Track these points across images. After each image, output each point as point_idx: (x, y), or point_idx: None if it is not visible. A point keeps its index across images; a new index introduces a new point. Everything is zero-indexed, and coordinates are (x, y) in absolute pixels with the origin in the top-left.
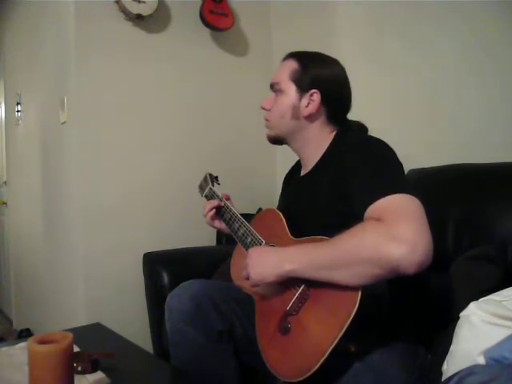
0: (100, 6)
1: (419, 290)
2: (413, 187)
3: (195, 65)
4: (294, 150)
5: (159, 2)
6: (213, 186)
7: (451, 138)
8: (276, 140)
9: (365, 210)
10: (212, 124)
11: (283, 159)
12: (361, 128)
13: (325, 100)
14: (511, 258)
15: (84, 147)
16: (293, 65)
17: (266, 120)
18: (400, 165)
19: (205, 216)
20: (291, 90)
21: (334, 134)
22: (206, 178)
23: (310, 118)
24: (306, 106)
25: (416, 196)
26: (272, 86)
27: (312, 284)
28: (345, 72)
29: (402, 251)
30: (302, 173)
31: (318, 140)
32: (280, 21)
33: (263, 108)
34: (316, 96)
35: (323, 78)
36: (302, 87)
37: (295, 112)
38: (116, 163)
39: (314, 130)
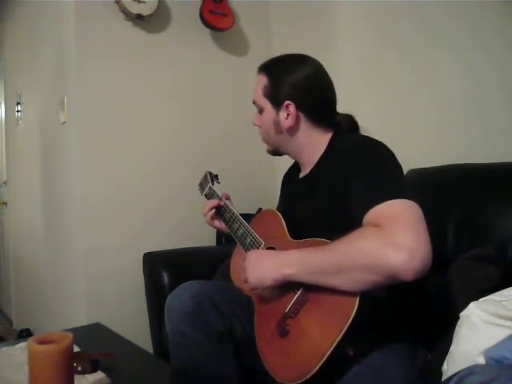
0: (100, 6)
1: (419, 291)
2: (412, 190)
3: (195, 64)
4: (292, 158)
5: (159, 2)
6: (213, 184)
7: (451, 138)
8: (274, 153)
9: (363, 214)
10: (212, 124)
11: (283, 159)
12: (351, 124)
13: (301, 107)
14: (511, 257)
15: (84, 147)
16: (263, 80)
17: (261, 136)
18: (399, 167)
19: (204, 215)
20: (268, 106)
21: (330, 135)
22: (206, 176)
23: (292, 129)
24: (286, 118)
25: (415, 200)
26: (254, 104)
27: (311, 287)
28: (317, 68)
29: (400, 258)
30: (301, 175)
31: (311, 145)
32: (280, 21)
33: (255, 124)
34: (291, 107)
35: (294, 86)
36: (276, 101)
37: (277, 126)
38: (116, 163)
39: (303, 138)
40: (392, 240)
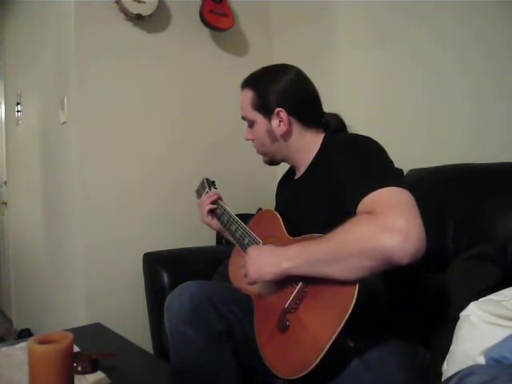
0: (100, 7)
1: (417, 289)
2: (404, 180)
3: (195, 65)
4: (288, 163)
5: (159, 2)
6: (210, 190)
7: (451, 138)
8: (271, 163)
9: (357, 204)
10: (212, 123)
11: None
12: (339, 123)
13: (291, 112)
14: (511, 257)
15: (84, 147)
16: (249, 94)
17: (256, 148)
18: (388, 159)
19: (204, 207)
20: (259, 118)
21: (322, 136)
22: (203, 182)
23: (286, 134)
24: (279, 126)
25: (406, 188)
26: (244, 119)
27: (310, 281)
28: (298, 73)
29: (395, 241)
30: (297, 176)
31: (305, 147)
32: (280, 21)
33: (247, 139)
34: (282, 114)
35: (280, 93)
36: (267, 111)
37: (272, 135)
38: (116, 163)
39: (297, 141)
40: (386, 225)
